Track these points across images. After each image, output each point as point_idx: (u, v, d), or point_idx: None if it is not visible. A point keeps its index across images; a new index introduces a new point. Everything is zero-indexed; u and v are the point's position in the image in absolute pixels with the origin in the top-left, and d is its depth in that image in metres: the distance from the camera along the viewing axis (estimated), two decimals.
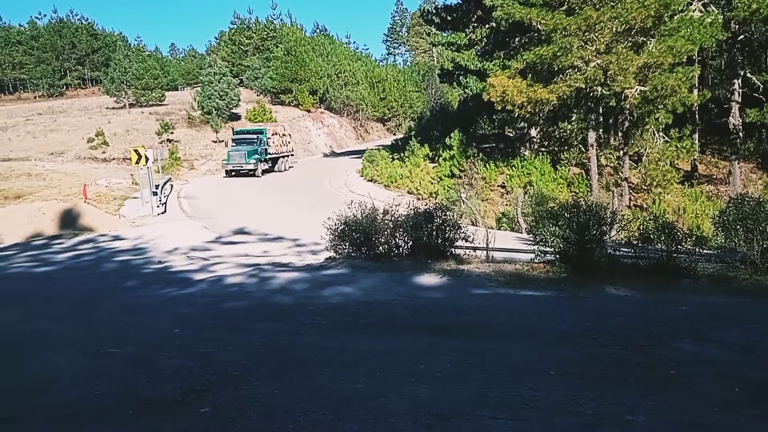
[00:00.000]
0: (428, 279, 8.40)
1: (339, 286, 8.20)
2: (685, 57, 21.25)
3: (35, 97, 69.89)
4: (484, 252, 10.02)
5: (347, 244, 9.83)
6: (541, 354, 5.14)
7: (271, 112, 46.01)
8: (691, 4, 22.66)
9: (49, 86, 71.62)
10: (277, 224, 16.94)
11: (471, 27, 29.14)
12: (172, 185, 25.82)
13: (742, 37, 23.49)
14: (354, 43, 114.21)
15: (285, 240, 14.44)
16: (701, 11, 22.62)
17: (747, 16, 21.09)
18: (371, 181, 31.27)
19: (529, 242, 10.80)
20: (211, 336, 6.03)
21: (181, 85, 71.54)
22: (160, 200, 20.69)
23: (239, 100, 46.93)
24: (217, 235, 15.77)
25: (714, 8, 22.85)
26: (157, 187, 20.62)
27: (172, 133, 40.27)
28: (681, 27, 20.35)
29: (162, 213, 20.23)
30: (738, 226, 7.83)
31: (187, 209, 21.82)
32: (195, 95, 47.54)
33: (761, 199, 8.22)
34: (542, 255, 8.81)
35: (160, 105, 52.91)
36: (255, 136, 34.43)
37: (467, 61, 32.83)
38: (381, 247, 9.66)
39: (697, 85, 24.53)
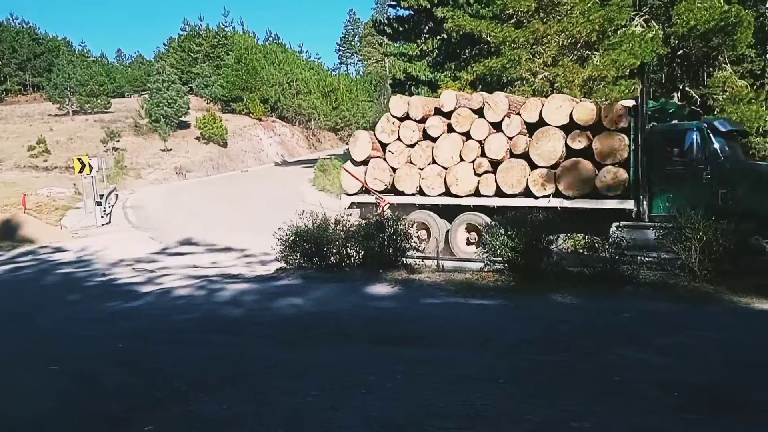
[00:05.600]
0: (380, 289, 8.42)
1: (290, 297, 8.14)
2: (628, 70, 21.97)
3: None
4: (435, 261, 10.10)
5: (298, 254, 9.76)
6: (490, 362, 5.21)
7: (221, 121, 45.32)
8: (633, 19, 23.47)
9: None
10: (226, 234, 16.66)
11: (422, 38, 29.43)
12: (117, 195, 25.20)
13: (681, 52, 24.44)
14: (306, 51, 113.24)
15: (234, 250, 14.22)
16: (643, 27, 23.45)
17: (686, 32, 21.95)
18: (323, 190, 31.14)
19: (479, 252, 10.93)
20: (157, 350, 5.90)
21: (127, 92, 69.71)
22: (105, 210, 20.15)
23: (188, 108, 46.09)
24: (164, 245, 15.43)
25: (655, 24, 23.72)
26: (101, 196, 20.08)
27: (118, 141, 39.19)
28: (624, 41, 21.04)
29: (106, 224, 19.70)
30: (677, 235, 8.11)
31: (133, 219, 21.27)
32: (142, 103, 46.48)
33: (698, 210, 8.51)
34: (491, 264, 8.96)
35: (106, 112, 51.45)
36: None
37: (419, 71, 33.12)
38: (332, 258, 9.64)
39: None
